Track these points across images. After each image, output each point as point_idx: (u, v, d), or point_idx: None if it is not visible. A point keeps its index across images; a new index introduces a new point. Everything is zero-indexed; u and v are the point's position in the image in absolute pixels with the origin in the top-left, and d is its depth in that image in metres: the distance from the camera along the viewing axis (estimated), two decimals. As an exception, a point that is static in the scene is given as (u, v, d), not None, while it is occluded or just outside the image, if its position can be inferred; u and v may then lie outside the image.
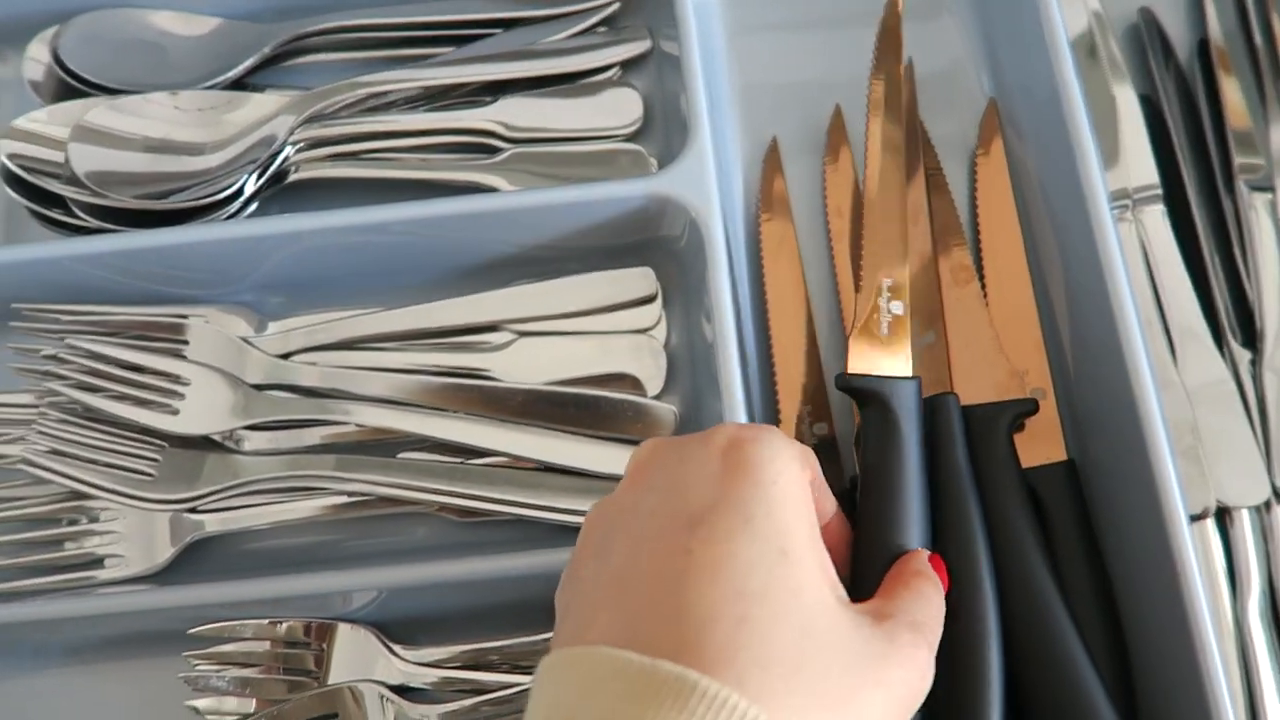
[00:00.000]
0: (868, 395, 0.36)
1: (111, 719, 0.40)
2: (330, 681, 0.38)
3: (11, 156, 0.42)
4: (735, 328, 0.39)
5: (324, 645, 0.39)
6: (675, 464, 0.32)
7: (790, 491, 0.31)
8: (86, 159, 0.42)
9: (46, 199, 0.43)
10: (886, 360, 0.37)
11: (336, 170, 0.45)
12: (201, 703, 0.37)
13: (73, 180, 0.42)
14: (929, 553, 0.35)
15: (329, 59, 0.48)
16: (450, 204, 0.43)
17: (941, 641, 0.32)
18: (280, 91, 0.45)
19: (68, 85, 0.46)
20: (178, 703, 0.39)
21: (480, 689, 0.38)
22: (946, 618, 0.33)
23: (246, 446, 0.42)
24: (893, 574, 0.34)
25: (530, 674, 0.39)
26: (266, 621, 0.38)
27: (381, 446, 0.42)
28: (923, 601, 0.32)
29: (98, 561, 0.41)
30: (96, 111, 0.43)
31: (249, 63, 0.46)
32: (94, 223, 0.42)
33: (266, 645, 0.38)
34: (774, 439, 0.32)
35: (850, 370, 0.37)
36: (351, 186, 0.46)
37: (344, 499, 0.41)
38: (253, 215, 0.44)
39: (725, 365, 0.38)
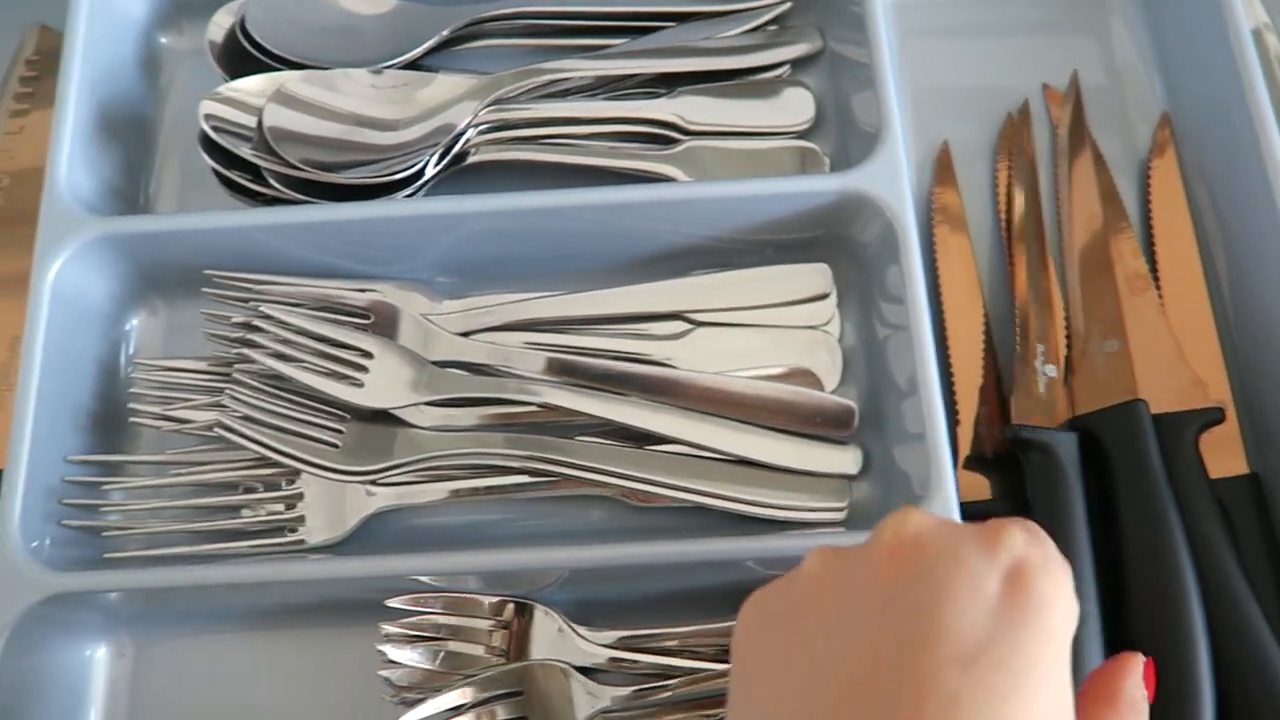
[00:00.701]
0: (1033, 446, 0.40)
1: (291, 685, 0.40)
2: (516, 658, 0.39)
3: (208, 118, 0.43)
4: (932, 329, 0.39)
5: (510, 622, 0.39)
6: (950, 564, 0.26)
7: (1068, 643, 0.26)
8: (280, 127, 0.42)
9: (234, 165, 0.43)
10: (1046, 415, 0.41)
11: (514, 154, 0.45)
12: (393, 673, 0.38)
13: (264, 148, 0.43)
14: (1144, 660, 0.30)
15: (498, 44, 0.48)
16: (641, 191, 0.43)
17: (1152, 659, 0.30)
18: (458, 74, 0.46)
19: (249, 57, 0.46)
20: (357, 671, 0.40)
21: (662, 673, 0.39)
22: (1153, 629, 0.33)
23: (421, 422, 0.43)
24: (1103, 694, 0.29)
25: (708, 660, 0.39)
26: (457, 595, 0.39)
27: (550, 429, 0.42)
28: None
29: (279, 529, 0.41)
30: (294, 82, 0.43)
31: (428, 45, 0.46)
32: (286, 193, 0.42)
33: (457, 619, 0.38)
34: (1064, 573, 0.26)
35: (1015, 422, 0.40)
36: (525, 170, 0.46)
37: (519, 479, 0.42)
38: (430, 194, 0.45)
39: (922, 366, 0.38)
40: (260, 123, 0.43)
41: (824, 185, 0.41)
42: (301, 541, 0.41)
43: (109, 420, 0.43)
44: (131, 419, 0.42)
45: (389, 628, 0.38)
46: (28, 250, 0.42)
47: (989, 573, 0.25)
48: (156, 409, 0.42)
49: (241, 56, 0.46)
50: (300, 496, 0.41)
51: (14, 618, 0.37)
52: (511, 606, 0.39)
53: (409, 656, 0.38)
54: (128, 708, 0.41)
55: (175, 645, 0.41)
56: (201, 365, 0.42)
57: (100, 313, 0.43)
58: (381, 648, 0.38)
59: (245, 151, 0.43)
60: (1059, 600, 0.25)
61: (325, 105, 0.43)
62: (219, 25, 0.46)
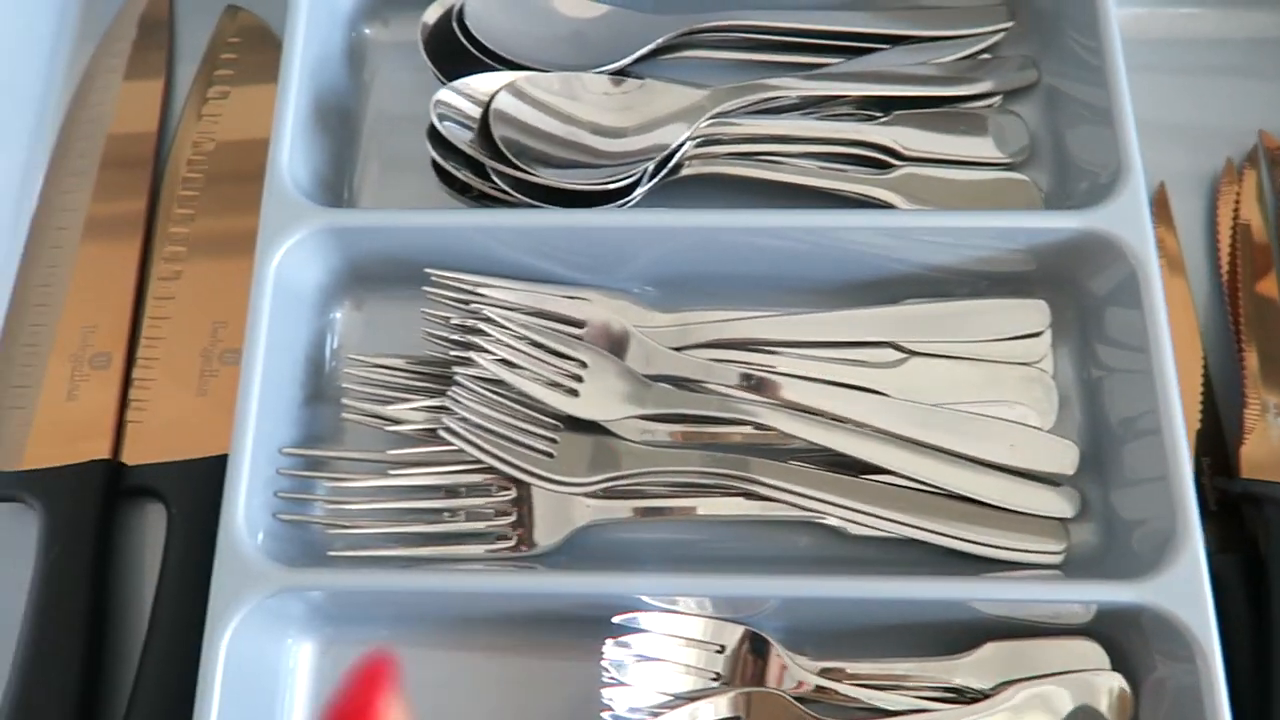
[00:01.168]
0: (1271, 501, 0.39)
1: (491, 697, 0.40)
2: (732, 682, 0.38)
3: (439, 104, 0.42)
4: (1172, 374, 0.39)
5: (725, 646, 0.39)
6: None
7: None
8: (507, 121, 0.42)
9: (449, 158, 0.43)
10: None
11: (726, 168, 0.45)
12: (614, 693, 0.37)
13: (486, 144, 0.42)
14: None
15: (704, 56, 0.48)
16: (868, 216, 0.43)
17: None
18: (681, 85, 0.45)
19: (457, 51, 0.45)
20: (559, 686, 0.40)
21: (868, 708, 0.38)
22: None
23: (627, 435, 0.42)
24: None
25: (921, 697, 0.39)
26: (681, 616, 0.38)
27: (752, 451, 0.42)
28: None
29: (487, 536, 0.41)
30: (527, 81, 0.43)
31: (639, 53, 0.46)
32: (508, 192, 0.42)
33: (678, 641, 0.38)
34: None
35: (1245, 476, 0.40)
36: (732, 185, 0.46)
37: (734, 501, 0.41)
38: (640, 205, 0.44)
39: (1167, 414, 0.38)
40: (485, 117, 0.42)
41: (1062, 223, 0.41)
42: (516, 550, 0.40)
43: (315, 413, 0.43)
44: (343, 415, 0.41)
45: (614, 647, 0.37)
46: (232, 210, 0.45)
47: None
48: (368, 406, 0.42)
49: (450, 51, 0.46)
50: (513, 504, 0.41)
51: (244, 610, 0.36)
52: (728, 630, 0.39)
53: (633, 676, 0.37)
54: (319, 707, 0.40)
55: (370, 643, 0.40)
56: (413, 364, 0.42)
57: (308, 304, 0.43)
58: (606, 665, 0.37)
59: (467, 146, 0.42)
60: None
61: (555, 107, 0.43)
62: (430, 19, 0.46)
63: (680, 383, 0.42)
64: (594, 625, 0.39)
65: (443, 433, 0.39)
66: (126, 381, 0.44)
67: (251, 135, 0.47)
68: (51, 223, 0.47)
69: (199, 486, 0.41)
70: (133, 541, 0.42)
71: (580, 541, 0.41)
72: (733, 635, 0.39)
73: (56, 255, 0.46)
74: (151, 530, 0.42)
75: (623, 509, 0.41)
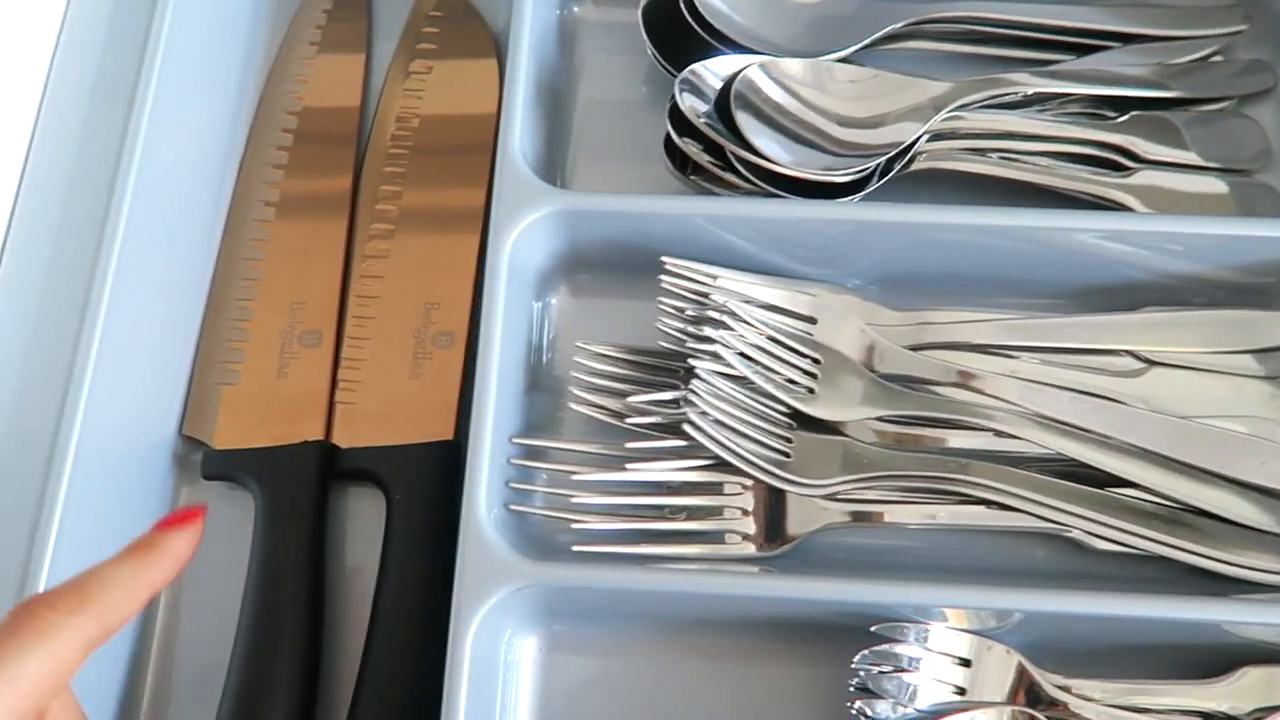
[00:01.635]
0: None
1: (718, 699, 0.38)
2: (975, 698, 0.37)
3: (684, 82, 0.41)
4: None
5: (969, 661, 0.38)
6: None
7: None
8: (746, 108, 0.41)
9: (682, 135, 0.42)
10: None
11: (960, 164, 0.43)
12: (866, 704, 0.36)
13: (725, 125, 0.41)
14: None
15: (926, 47, 0.46)
16: (1110, 220, 0.41)
17: None
18: (919, 79, 0.44)
19: (678, 32, 0.44)
20: (795, 692, 0.38)
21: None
22: None
23: (859, 436, 0.41)
24: None
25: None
26: (928, 627, 0.37)
27: (988, 458, 0.40)
28: None
29: (716, 535, 0.40)
30: (769, 65, 0.41)
31: (866, 40, 0.45)
32: (750, 180, 0.40)
33: (925, 652, 0.37)
34: None
35: None
36: (960, 181, 0.44)
37: (974, 509, 0.40)
38: (868, 199, 0.43)
39: None
40: (725, 98, 0.41)
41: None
42: (746, 549, 0.39)
43: (533, 401, 0.41)
44: (572, 405, 0.40)
45: (868, 655, 0.36)
46: (440, 187, 0.45)
47: None
48: (595, 396, 0.40)
49: (666, 30, 0.45)
50: (747, 503, 0.40)
51: (489, 604, 0.35)
52: (970, 642, 0.38)
53: (884, 686, 0.36)
54: (542, 701, 0.39)
55: (592, 641, 0.39)
56: (640, 355, 0.41)
57: (529, 288, 0.42)
58: (860, 672, 0.36)
59: (706, 126, 0.41)
60: None
61: (796, 93, 0.42)
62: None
63: (913, 384, 0.41)
64: (829, 631, 0.38)
65: (686, 427, 0.38)
66: (336, 360, 0.43)
67: (457, 110, 0.46)
68: (253, 197, 0.45)
69: (420, 472, 0.40)
70: (344, 525, 0.41)
71: (809, 544, 0.40)
72: (975, 648, 0.38)
73: (260, 230, 0.44)
74: (362, 513, 0.41)
75: (859, 512, 0.40)
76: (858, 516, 0.40)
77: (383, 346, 0.42)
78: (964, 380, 0.40)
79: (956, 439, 0.41)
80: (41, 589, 0.35)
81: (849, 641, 0.38)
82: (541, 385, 0.42)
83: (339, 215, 0.44)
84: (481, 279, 0.43)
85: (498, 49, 0.48)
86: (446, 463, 0.40)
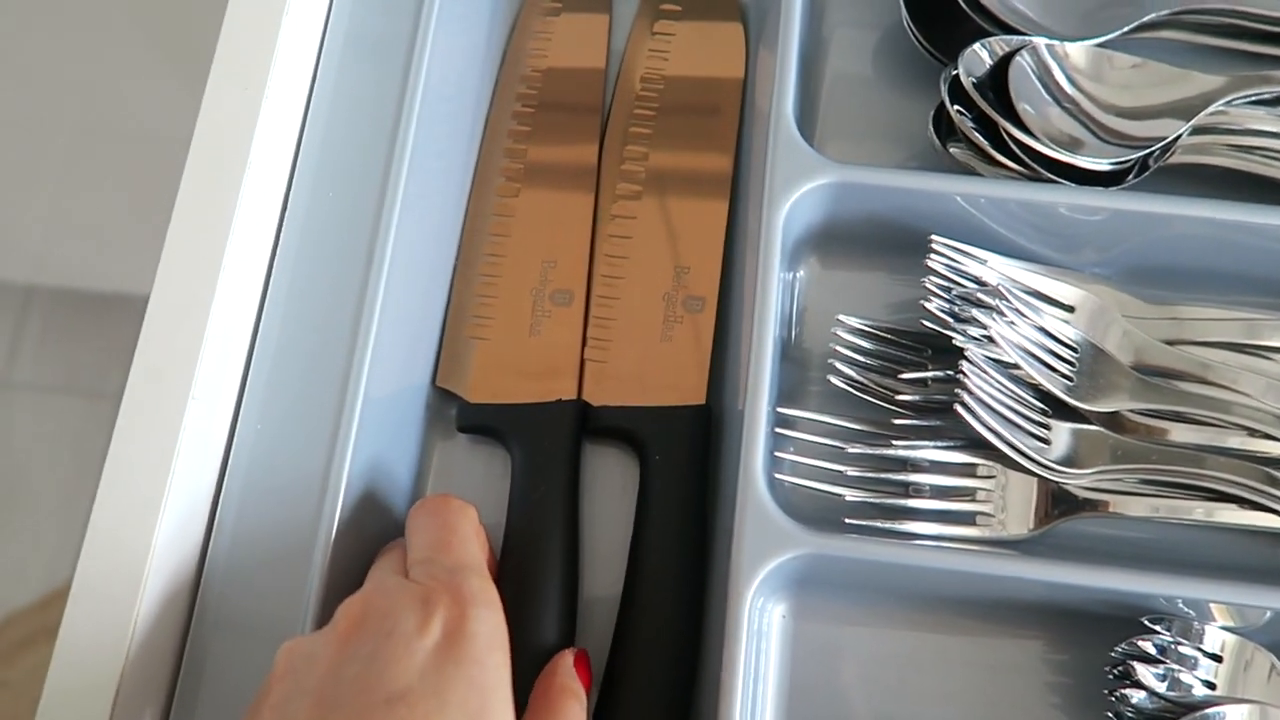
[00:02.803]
0: None
1: (954, 678, 0.39)
2: (1226, 694, 0.38)
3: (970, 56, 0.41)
4: None
5: (1221, 656, 0.38)
6: (384, 634, 0.32)
7: (498, 677, 0.33)
8: (1024, 91, 0.41)
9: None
10: None
11: (1217, 159, 0.43)
12: (1126, 690, 0.36)
13: (998, 105, 0.41)
14: (574, 653, 0.37)
15: (1180, 38, 0.46)
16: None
17: None
18: (1180, 70, 0.43)
19: (943, 11, 0.44)
20: (1027, 675, 0.39)
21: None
22: None
23: (1109, 428, 0.41)
24: (542, 690, 0.36)
25: None
26: (1191, 622, 0.37)
27: (1241, 458, 0.40)
28: None
29: (969, 517, 0.40)
30: (1046, 48, 0.41)
31: (1126, 28, 0.44)
32: (1023, 161, 0.40)
33: (1187, 646, 0.37)
34: (495, 618, 0.33)
35: None
36: (1220, 177, 0.44)
37: (1227, 507, 0.40)
38: (1128, 189, 0.43)
39: None
40: (1002, 76, 0.41)
41: None
42: (998, 531, 0.39)
43: (784, 371, 0.42)
44: (832, 378, 0.40)
45: (1132, 645, 0.37)
46: (687, 148, 0.45)
47: (426, 630, 0.33)
48: (855, 373, 0.41)
49: (922, 6, 0.44)
50: (1000, 485, 0.40)
51: (765, 571, 0.36)
52: (1222, 638, 0.38)
53: (1147, 677, 0.36)
54: (790, 669, 0.39)
55: (838, 611, 0.40)
56: (897, 333, 0.41)
57: (786, 257, 0.42)
58: (1119, 662, 0.36)
59: (985, 103, 0.41)
60: (486, 648, 0.33)
61: (1073, 78, 0.41)
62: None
63: (1166, 377, 0.41)
64: (1079, 618, 0.39)
65: (958, 409, 0.38)
66: (586, 319, 0.43)
67: (703, 72, 0.46)
68: (501, 155, 0.46)
69: (675, 434, 0.40)
70: (593, 482, 0.42)
71: (1053, 530, 0.41)
72: (1230, 645, 0.38)
73: (508, 189, 0.45)
74: (609, 471, 0.42)
75: (1106, 502, 0.40)
76: (1103, 506, 0.40)
77: (633, 307, 0.43)
78: (1216, 377, 0.41)
79: (1203, 435, 0.41)
80: (333, 535, 0.37)
81: (1095, 629, 0.39)
82: (789, 355, 0.42)
83: (586, 176, 0.45)
84: (729, 244, 0.44)
85: (742, 13, 0.48)
86: (699, 426, 0.41)
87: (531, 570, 0.38)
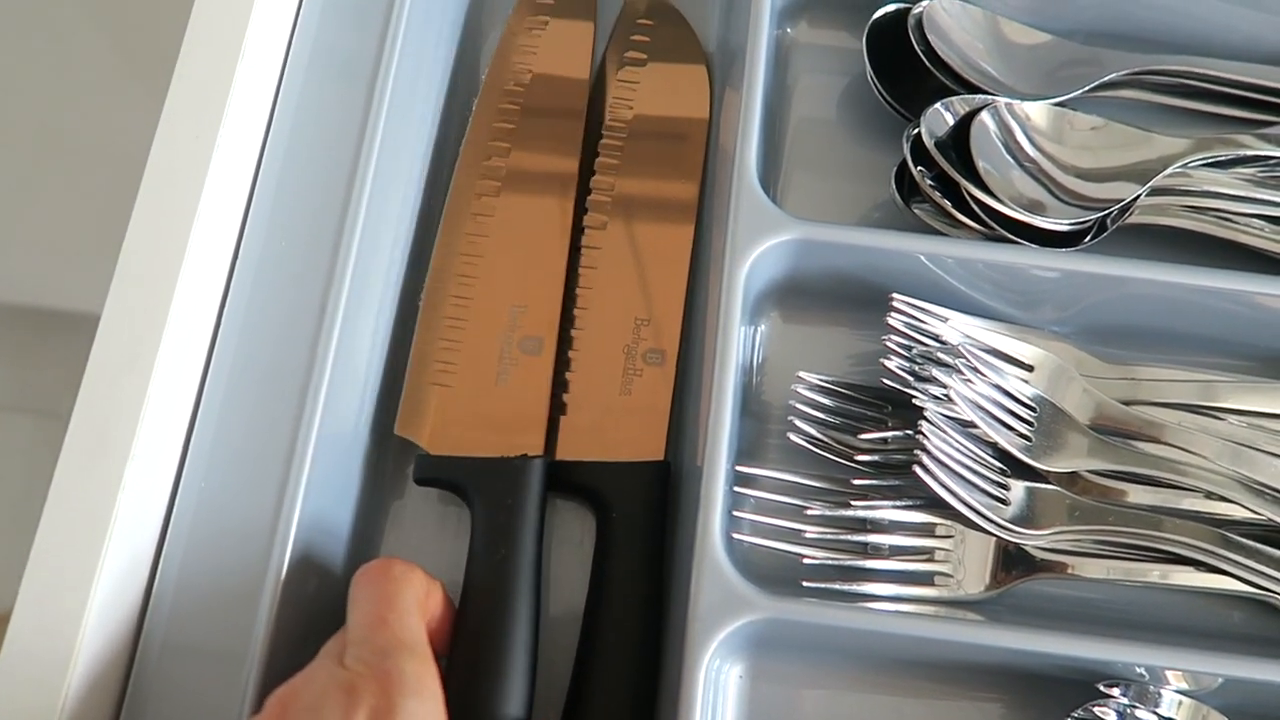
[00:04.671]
0: None
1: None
2: (1180, 759, 0.38)
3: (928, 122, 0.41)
4: None
5: (1171, 719, 0.38)
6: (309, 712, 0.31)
7: None
8: (985, 151, 0.41)
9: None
10: None
11: (1173, 220, 0.44)
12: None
13: (959, 164, 0.41)
14: None
15: (1140, 97, 0.46)
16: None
17: None
18: (1144, 131, 0.43)
19: (896, 61, 0.44)
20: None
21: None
22: None
23: (1065, 487, 0.41)
24: None
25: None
26: (1146, 685, 0.37)
27: (1193, 519, 0.40)
28: None
29: (928, 577, 0.40)
30: (1011, 107, 0.42)
31: (1087, 87, 0.44)
32: (981, 220, 0.41)
33: (1143, 710, 0.37)
34: (425, 707, 0.32)
35: None
36: (1176, 237, 0.44)
37: (1181, 569, 0.40)
38: (1084, 250, 0.43)
39: None
40: (964, 135, 0.41)
41: None
42: (955, 592, 0.39)
43: (744, 425, 0.41)
44: (791, 435, 0.40)
45: (1090, 714, 0.36)
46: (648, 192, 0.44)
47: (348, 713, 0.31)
48: (815, 431, 0.40)
49: (887, 59, 0.45)
50: (957, 545, 0.40)
51: (723, 634, 0.35)
52: (1181, 702, 0.38)
53: (1098, 743, 0.36)
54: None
55: (794, 673, 0.39)
56: (856, 390, 0.41)
57: (747, 311, 0.42)
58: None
59: (946, 163, 0.41)
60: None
61: (1033, 138, 0.42)
62: (876, 24, 0.45)
63: (1123, 438, 0.41)
64: (1035, 680, 0.38)
65: (917, 470, 0.38)
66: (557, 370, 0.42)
67: (667, 112, 0.46)
68: (472, 183, 0.44)
69: (635, 491, 0.40)
70: (552, 535, 0.41)
71: (1010, 591, 0.40)
72: (1184, 709, 0.38)
73: (480, 224, 0.44)
74: (566, 525, 0.41)
75: (1063, 564, 0.40)
76: (1060, 568, 0.40)
77: (593, 359, 0.42)
78: (1172, 438, 0.41)
79: (1160, 496, 0.41)
80: (278, 594, 0.36)
81: (1054, 691, 0.38)
82: (749, 410, 0.42)
83: (560, 220, 0.44)
84: (690, 294, 0.44)
85: (707, 58, 0.48)
86: (658, 482, 0.40)
87: (489, 637, 0.37)
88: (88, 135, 1.20)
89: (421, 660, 0.33)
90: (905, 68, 0.45)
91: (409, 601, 0.34)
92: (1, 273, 1.41)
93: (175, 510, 0.38)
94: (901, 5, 0.45)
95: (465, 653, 0.36)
